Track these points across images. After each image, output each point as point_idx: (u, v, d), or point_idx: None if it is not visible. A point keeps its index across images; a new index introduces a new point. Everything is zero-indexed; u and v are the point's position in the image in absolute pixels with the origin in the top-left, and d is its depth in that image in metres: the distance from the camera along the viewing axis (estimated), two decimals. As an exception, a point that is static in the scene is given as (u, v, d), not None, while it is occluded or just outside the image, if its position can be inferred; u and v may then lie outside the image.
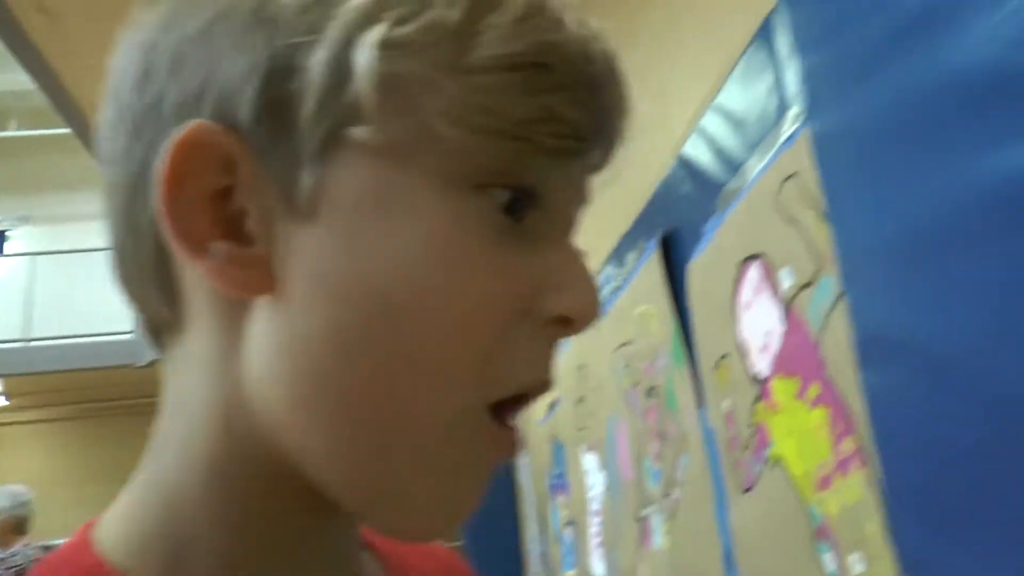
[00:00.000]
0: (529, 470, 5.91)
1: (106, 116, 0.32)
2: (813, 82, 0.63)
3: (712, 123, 1.32)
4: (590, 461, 3.57)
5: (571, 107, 0.30)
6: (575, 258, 0.32)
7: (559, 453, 4.37)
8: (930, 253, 0.52)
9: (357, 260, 0.28)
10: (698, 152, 1.37)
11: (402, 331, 0.28)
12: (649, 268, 1.55)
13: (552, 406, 4.67)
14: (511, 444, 0.31)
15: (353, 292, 0.28)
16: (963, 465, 0.49)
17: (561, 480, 4.38)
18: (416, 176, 0.29)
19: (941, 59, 0.49)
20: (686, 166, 1.42)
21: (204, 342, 0.30)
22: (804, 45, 0.64)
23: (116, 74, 0.32)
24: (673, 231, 1.49)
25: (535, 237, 0.31)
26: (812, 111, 0.65)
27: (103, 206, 0.33)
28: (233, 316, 0.30)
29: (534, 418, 5.43)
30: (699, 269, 1.39)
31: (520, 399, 0.31)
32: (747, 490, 1.65)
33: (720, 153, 1.29)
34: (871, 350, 0.58)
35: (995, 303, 0.45)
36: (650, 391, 1.69)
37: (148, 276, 0.31)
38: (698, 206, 1.37)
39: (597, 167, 0.33)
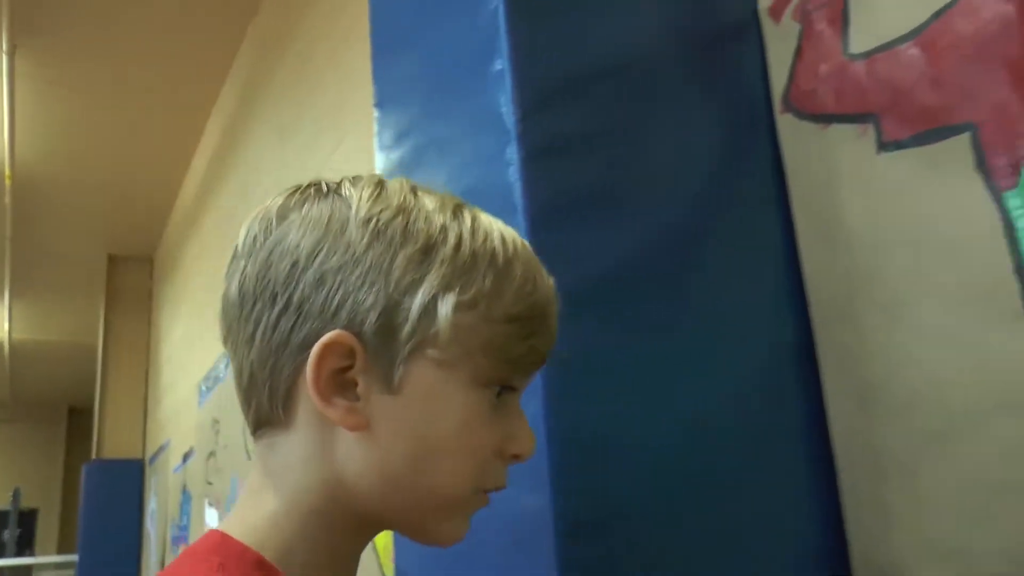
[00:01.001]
0: (156, 518, 5.53)
1: (246, 285, 0.52)
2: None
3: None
4: (211, 515, 3.48)
5: (542, 342, 0.54)
6: (523, 418, 0.56)
7: (186, 504, 4.21)
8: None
9: (421, 422, 0.51)
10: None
11: (443, 459, 0.51)
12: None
13: (186, 456, 4.47)
14: (486, 501, 0.55)
15: (419, 440, 0.51)
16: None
17: (185, 532, 4.20)
18: (458, 379, 0.51)
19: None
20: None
21: (307, 442, 0.52)
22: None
23: (265, 262, 0.52)
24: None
25: (505, 406, 0.54)
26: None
27: (235, 343, 0.53)
28: (329, 434, 0.51)
29: (170, 465, 5.12)
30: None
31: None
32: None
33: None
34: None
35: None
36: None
37: (277, 395, 0.52)
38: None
39: (540, 367, 0.57)
